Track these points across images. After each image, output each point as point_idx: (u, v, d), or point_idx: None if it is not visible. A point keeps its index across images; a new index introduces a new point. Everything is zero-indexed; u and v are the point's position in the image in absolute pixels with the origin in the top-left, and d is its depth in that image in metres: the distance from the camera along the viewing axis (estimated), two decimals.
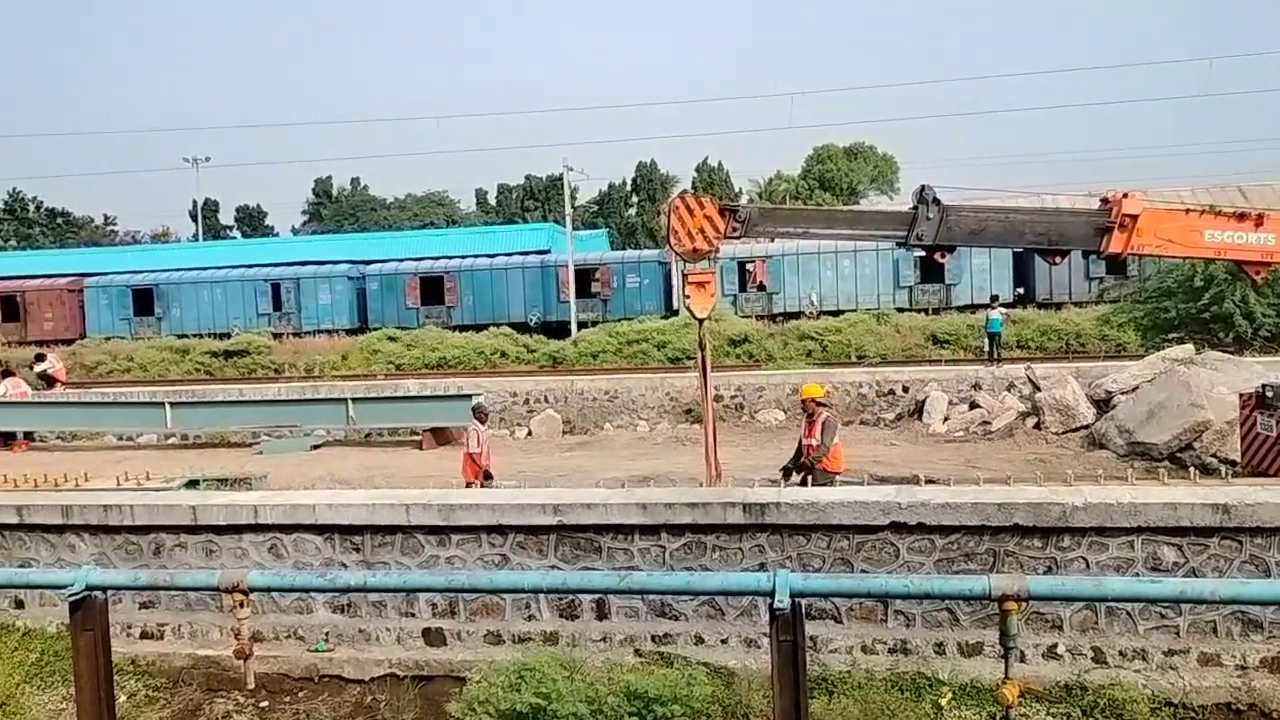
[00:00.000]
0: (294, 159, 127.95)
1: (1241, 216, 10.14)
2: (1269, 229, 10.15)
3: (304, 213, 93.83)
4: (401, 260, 44.46)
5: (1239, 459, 13.59)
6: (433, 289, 42.05)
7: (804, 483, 10.23)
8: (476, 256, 44.12)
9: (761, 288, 39.77)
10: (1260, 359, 21.18)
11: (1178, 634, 7.49)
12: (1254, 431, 13.00)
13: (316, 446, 21.11)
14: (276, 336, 40.47)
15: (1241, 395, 13.65)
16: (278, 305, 42.86)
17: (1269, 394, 12.79)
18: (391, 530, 8.63)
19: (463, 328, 39.86)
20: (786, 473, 11.21)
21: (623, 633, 8.24)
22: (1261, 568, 7.37)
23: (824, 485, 9.77)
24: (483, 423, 13.13)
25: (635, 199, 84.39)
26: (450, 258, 44.18)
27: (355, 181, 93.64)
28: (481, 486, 11.98)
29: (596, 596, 8.20)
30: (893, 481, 12.92)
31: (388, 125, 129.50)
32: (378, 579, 5.26)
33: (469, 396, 21.20)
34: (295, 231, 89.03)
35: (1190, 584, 5.51)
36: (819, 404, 11.27)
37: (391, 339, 37.63)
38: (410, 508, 8.56)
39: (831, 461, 11.06)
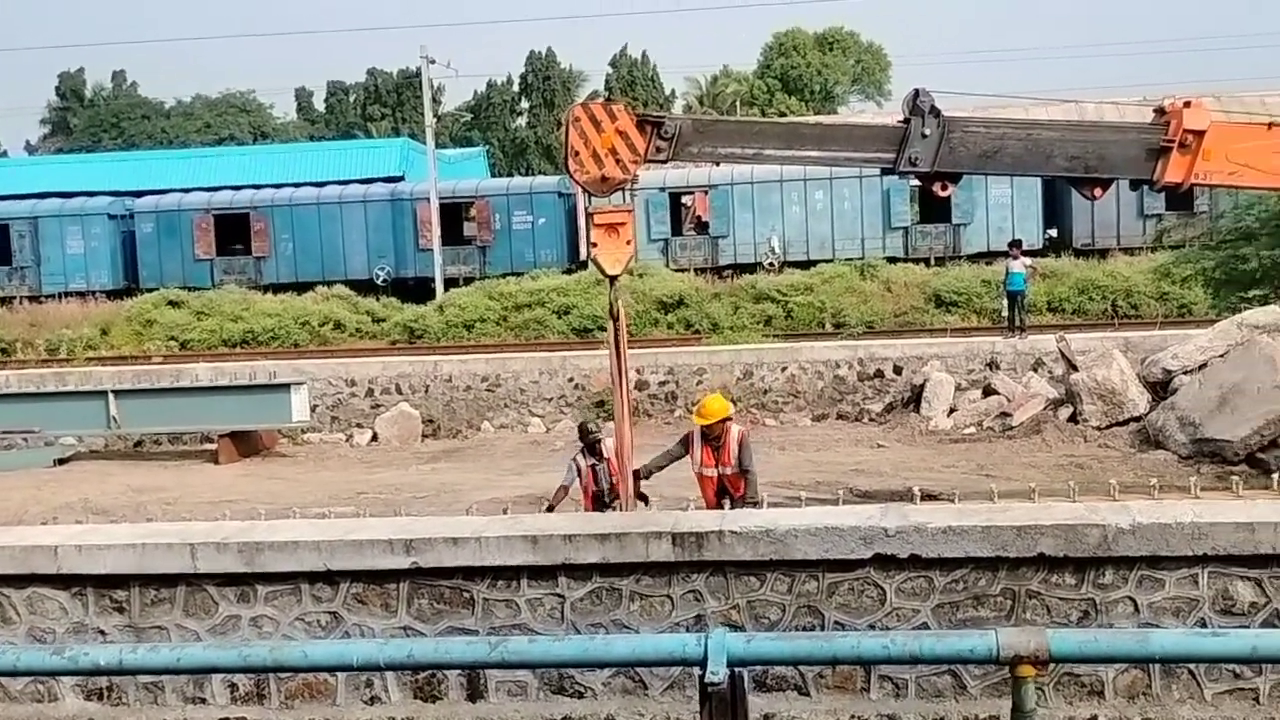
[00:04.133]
0: (29, 44, 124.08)
1: None
2: None
3: (44, 122, 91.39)
4: (188, 191, 43.65)
5: None
6: (234, 232, 41.35)
7: None
8: (298, 186, 43.49)
9: (703, 229, 39.96)
10: None
11: (1257, 700, 7.75)
12: None
13: (63, 460, 20.70)
14: (4, 302, 39.50)
15: None
16: (5, 257, 41.71)
17: None
18: (171, 581, 8.44)
19: (279, 288, 39.33)
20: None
21: (504, 718, 8.23)
22: None
23: None
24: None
25: (526, 104, 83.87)
26: (260, 187, 43.51)
27: (119, 78, 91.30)
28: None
29: (466, 670, 8.16)
30: (878, 498, 13.13)
31: None
32: (141, 655, 5.13)
33: (286, 386, 20.94)
34: (31, 150, 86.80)
35: (1266, 636, 5.67)
36: (726, 420, 11.40)
37: (174, 304, 36.94)
38: (198, 549, 8.39)
39: (754, 488, 11.27)
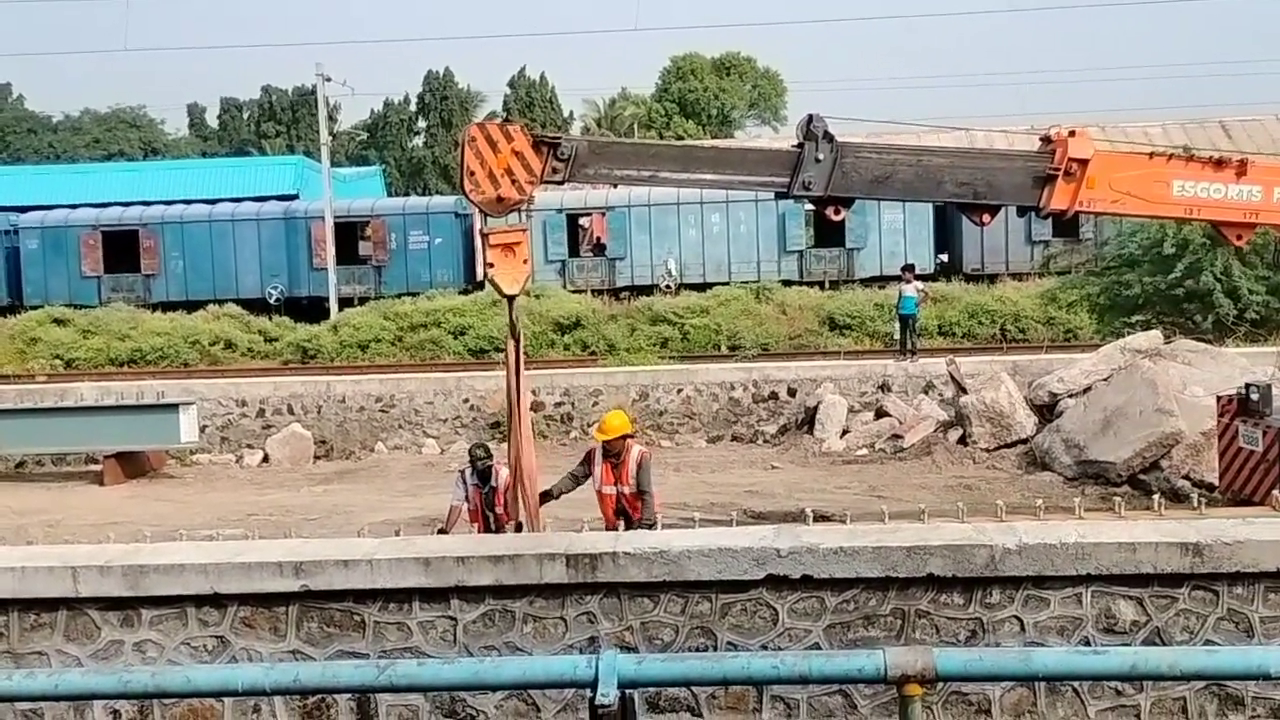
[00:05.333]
0: None
1: (1219, 164, 10.84)
2: (1253, 180, 10.88)
3: None
4: (75, 207, 42.63)
5: (1217, 481, 14.53)
6: (123, 250, 40.46)
7: None
8: (189, 203, 42.77)
9: (600, 250, 40.00)
10: (1244, 349, 22.76)
11: (1138, 717, 7.91)
12: (1235, 446, 13.92)
13: None
14: None
15: (1220, 398, 14.58)
16: None
17: (1254, 397, 13.68)
18: (52, 605, 8.24)
19: (169, 306, 38.63)
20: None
21: None
22: (1242, 625, 7.87)
23: None
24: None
25: (423, 123, 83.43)
26: (150, 204, 42.66)
27: (4, 91, 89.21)
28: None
29: (355, 694, 8.04)
30: (772, 519, 13.25)
31: (53, 6, 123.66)
32: (17, 681, 4.99)
33: (174, 407, 20.62)
34: None
35: (1144, 655, 5.80)
36: (628, 437, 11.42)
37: (59, 322, 36.13)
38: (80, 572, 8.19)
39: (650, 510, 11.31)
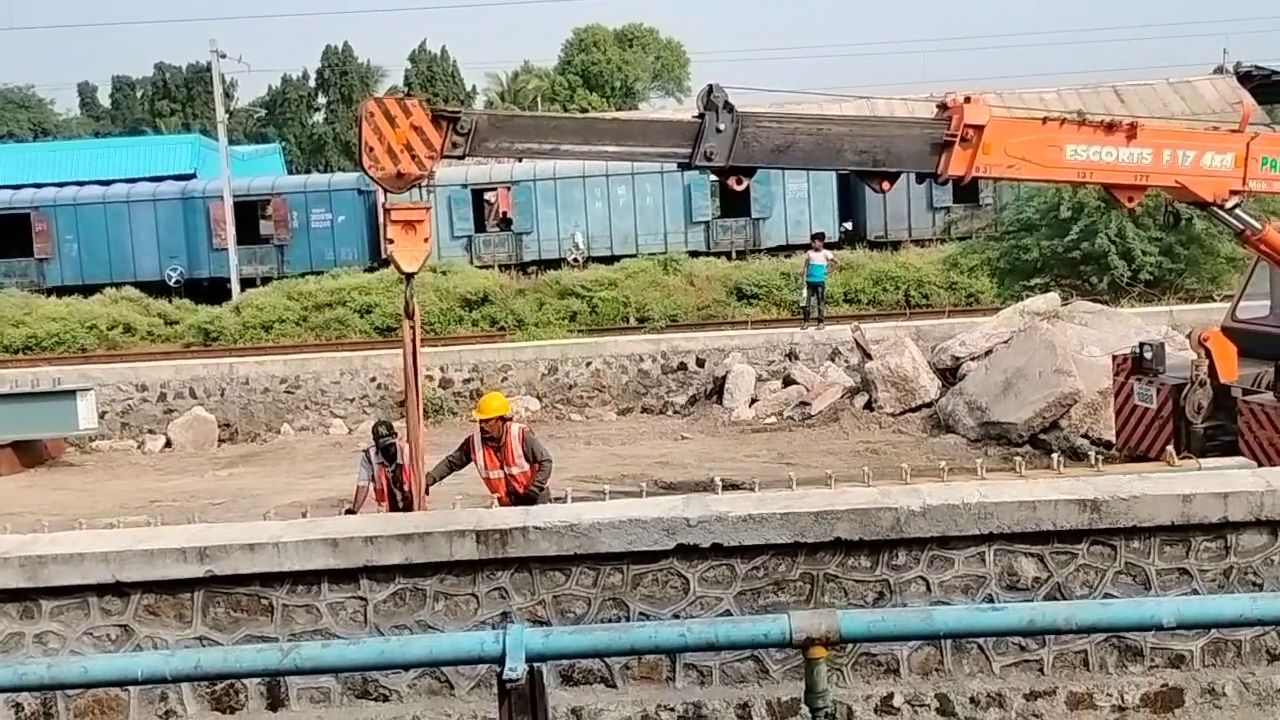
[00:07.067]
0: None
1: (1110, 127, 11.03)
2: (1143, 143, 11.10)
3: None
4: None
5: (1114, 438, 14.88)
6: (14, 233, 39.72)
7: None
8: (83, 184, 41.90)
9: (506, 224, 39.85)
10: (1138, 309, 23.33)
11: (1041, 671, 8.09)
12: (1130, 404, 14.25)
13: None
14: None
15: (1115, 358, 14.91)
16: None
17: (1148, 355, 14.01)
18: None
19: (64, 290, 37.97)
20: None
21: None
22: (1139, 578, 8.06)
23: None
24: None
25: (323, 99, 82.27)
26: (41, 186, 41.87)
27: None
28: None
29: (264, 679, 7.96)
30: (682, 489, 13.32)
31: None
32: None
33: (72, 393, 20.31)
34: None
35: (1041, 609, 5.91)
36: (505, 420, 11.48)
37: None
38: None
39: (546, 475, 11.48)
